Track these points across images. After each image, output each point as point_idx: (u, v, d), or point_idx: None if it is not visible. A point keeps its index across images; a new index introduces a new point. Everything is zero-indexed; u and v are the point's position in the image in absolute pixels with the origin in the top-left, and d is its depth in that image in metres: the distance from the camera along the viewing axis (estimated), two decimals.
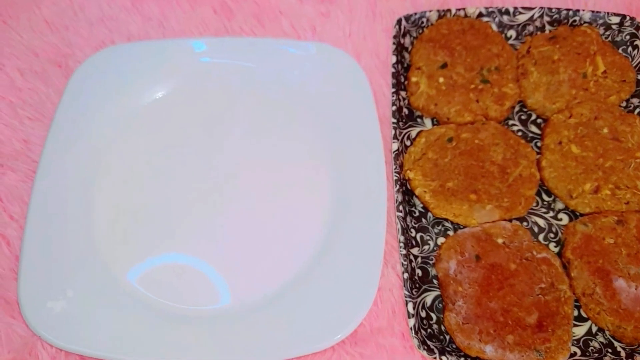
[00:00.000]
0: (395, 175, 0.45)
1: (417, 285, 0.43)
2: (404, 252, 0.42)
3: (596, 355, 0.41)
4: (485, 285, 0.40)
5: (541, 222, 0.46)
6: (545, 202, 0.47)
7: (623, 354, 0.41)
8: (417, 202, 0.47)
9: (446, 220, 0.45)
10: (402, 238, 0.43)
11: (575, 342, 0.42)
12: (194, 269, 0.44)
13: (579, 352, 0.41)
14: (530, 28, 0.53)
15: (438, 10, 0.52)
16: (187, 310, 0.42)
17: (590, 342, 0.42)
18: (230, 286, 0.43)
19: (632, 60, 0.51)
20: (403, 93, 0.50)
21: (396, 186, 0.45)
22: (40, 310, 0.40)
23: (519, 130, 0.50)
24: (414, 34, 0.53)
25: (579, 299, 0.42)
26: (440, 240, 0.45)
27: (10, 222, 0.45)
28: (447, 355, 0.39)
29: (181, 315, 0.42)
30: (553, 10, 0.52)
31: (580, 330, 0.42)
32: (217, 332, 0.41)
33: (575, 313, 0.43)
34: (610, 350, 0.41)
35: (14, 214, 0.46)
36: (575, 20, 0.53)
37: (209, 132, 0.49)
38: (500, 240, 0.42)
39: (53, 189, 0.45)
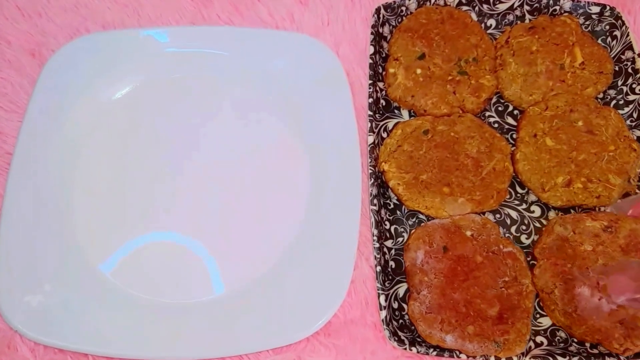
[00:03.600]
0: (371, 169, 0.45)
1: (390, 277, 0.44)
2: (377, 245, 0.43)
3: (562, 345, 0.42)
4: (451, 276, 0.41)
5: (514, 214, 0.47)
6: (518, 195, 0.48)
7: (587, 344, 0.43)
8: (392, 194, 0.47)
9: (420, 212, 0.46)
10: (375, 231, 0.43)
11: (542, 332, 0.43)
12: (170, 260, 0.44)
13: (545, 341, 0.43)
14: (510, 17, 0.53)
15: None
16: (162, 303, 0.43)
17: (556, 332, 0.43)
18: (204, 279, 0.44)
19: (611, 51, 0.51)
20: (380, 84, 0.50)
21: (371, 179, 0.45)
22: (18, 305, 0.41)
23: (495, 122, 0.50)
24: (393, 23, 0.52)
25: (538, 292, 0.42)
26: None
27: None
28: (417, 346, 0.40)
29: (156, 308, 0.42)
30: None
31: (546, 321, 0.43)
32: (190, 325, 0.41)
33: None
34: (575, 340, 0.43)
35: None
36: (555, 10, 0.52)
37: (184, 122, 0.49)
38: (468, 233, 0.43)
39: (28, 182, 0.45)
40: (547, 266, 0.42)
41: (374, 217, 0.44)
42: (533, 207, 0.47)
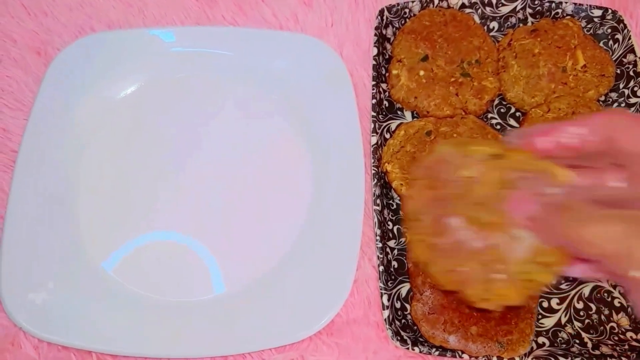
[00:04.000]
0: (374, 169, 0.45)
1: (393, 277, 0.44)
2: (380, 245, 0.43)
3: (564, 345, 0.43)
4: None
5: None
6: None
7: (590, 344, 0.43)
8: (395, 194, 0.47)
9: None
10: (378, 231, 0.43)
11: (544, 332, 0.43)
12: (173, 259, 0.44)
13: (547, 342, 0.43)
14: (513, 20, 0.53)
15: (421, 1, 0.52)
16: (165, 301, 0.43)
17: (558, 333, 0.43)
18: (206, 278, 0.44)
19: (613, 54, 0.52)
20: (384, 85, 0.50)
21: (374, 180, 0.45)
22: (22, 302, 0.41)
23: (497, 124, 0.51)
24: (397, 25, 0.53)
25: (403, 216, 0.37)
26: None
27: None
28: (420, 346, 0.40)
29: (159, 306, 0.42)
30: (536, 2, 0.52)
31: (549, 322, 0.44)
32: (192, 323, 0.42)
33: (546, 305, 0.44)
34: (577, 341, 0.43)
35: None
36: (557, 13, 0.53)
37: (188, 121, 0.49)
38: None
39: (33, 180, 0.45)
40: (421, 189, 0.33)
41: (377, 217, 0.44)
42: None
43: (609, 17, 0.52)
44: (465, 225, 0.31)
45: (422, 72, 0.49)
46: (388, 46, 0.52)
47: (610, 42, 0.52)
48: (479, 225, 0.30)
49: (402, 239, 0.46)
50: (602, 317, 0.44)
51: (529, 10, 0.53)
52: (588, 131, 0.29)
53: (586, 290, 0.45)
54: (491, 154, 0.32)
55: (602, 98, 0.51)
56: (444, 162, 0.33)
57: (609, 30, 0.52)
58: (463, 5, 0.53)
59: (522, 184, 0.29)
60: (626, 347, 0.42)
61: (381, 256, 0.43)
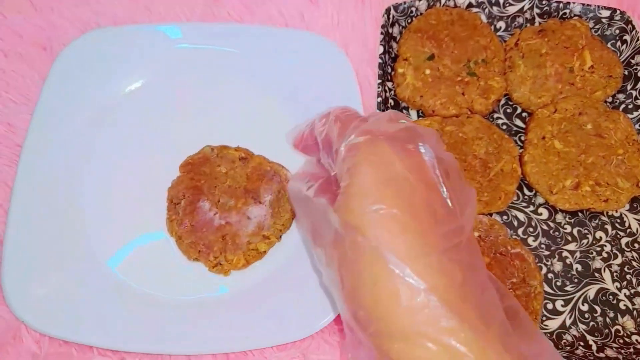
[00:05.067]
0: None
1: None
2: None
3: (568, 348, 0.42)
4: None
5: (521, 216, 0.47)
6: (526, 197, 0.48)
7: (594, 347, 0.42)
8: None
9: None
10: None
11: (548, 335, 0.43)
12: (177, 257, 0.44)
13: (551, 344, 0.42)
14: (520, 20, 0.53)
15: (427, 0, 0.52)
16: (167, 299, 0.43)
17: (563, 336, 0.43)
18: (210, 276, 0.43)
19: (620, 55, 0.51)
20: (389, 84, 0.50)
21: None
22: (24, 296, 0.41)
23: (503, 124, 0.50)
24: (403, 24, 0.52)
25: (167, 202, 0.45)
26: None
27: None
28: None
29: (161, 303, 0.42)
30: (543, 2, 0.52)
31: (553, 324, 0.43)
32: (194, 321, 0.41)
33: (550, 307, 0.44)
34: (582, 343, 0.43)
35: None
36: (565, 13, 0.52)
37: (194, 118, 0.49)
38: (475, 234, 0.43)
39: (37, 174, 0.45)
40: (185, 179, 0.45)
41: None
42: (541, 210, 0.47)
43: (617, 17, 0.51)
44: (212, 208, 0.43)
45: (428, 71, 0.49)
46: (394, 45, 0.52)
47: (618, 43, 0.52)
48: (223, 208, 0.43)
49: None
50: (607, 319, 0.44)
51: (536, 11, 0.52)
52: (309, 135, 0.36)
53: (591, 293, 0.45)
54: (239, 157, 0.45)
55: (610, 99, 0.51)
56: (206, 159, 0.45)
57: (617, 31, 0.52)
58: (470, 5, 0.52)
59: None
60: (631, 350, 0.42)
61: None
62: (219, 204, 0.43)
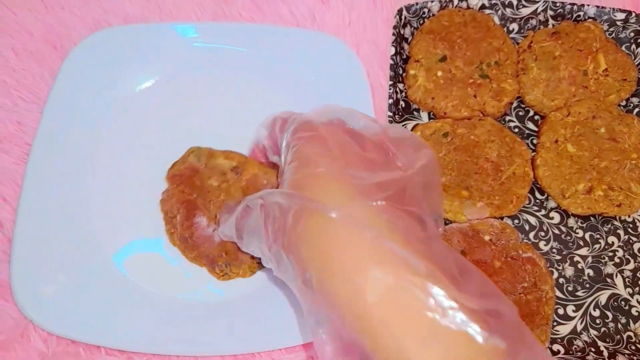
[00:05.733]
0: None
1: None
2: None
3: (579, 354, 0.42)
4: None
5: (533, 220, 0.46)
6: (537, 201, 0.47)
7: (606, 353, 0.42)
8: None
9: None
10: None
11: (559, 340, 0.42)
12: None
13: (562, 350, 0.42)
14: (533, 22, 0.52)
15: (440, 1, 0.51)
16: (176, 299, 0.42)
17: (574, 341, 0.42)
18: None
19: (635, 58, 0.51)
20: (401, 85, 0.50)
21: None
22: (32, 295, 0.41)
23: (515, 127, 0.50)
24: (415, 25, 0.52)
25: (163, 214, 0.44)
26: None
27: (3, 205, 0.45)
28: None
29: (170, 304, 0.42)
30: (557, 4, 0.51)
31: (564, 329, 0.43)
32: (202, 322, 0.41)
33: (561, 312, 0.43)
34: (593, 349, 0.42)
35: (7, 197, 0.46)
36: (579, 16, 0.52)
37: (204, 117, 0.49)
38: (487, 238, 0.42)
39: (46, 172, 0.45)
40: (175, 192, 0.43)
41: None
42: (552, 214, 0.47)
43: (632, 20, 0.51)
44: (210, 223, 0.42)
45: (440, 73, 0.49)
46: (406, 46, 0.52)
47: (633, 46, 0.51)
48: (219, 224, 0.40)
49: None
50: (619, 325, 0.43)
51: (550, 13, 0.52)
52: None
53: (603, 298, 0.44)
54: (230, 167, 0.43)
55: (624, 103, 0.50)
56: (195, 171, 0.43)
57: (632, 34, 0.51)
58: (483, 6, 0.52)
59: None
60: None
61: None
62: (216, 219, 0.42)
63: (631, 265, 0.45)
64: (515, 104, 0.51)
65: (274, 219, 0.30)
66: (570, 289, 0.44)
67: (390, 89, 0.48)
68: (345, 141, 0.32)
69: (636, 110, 0.50)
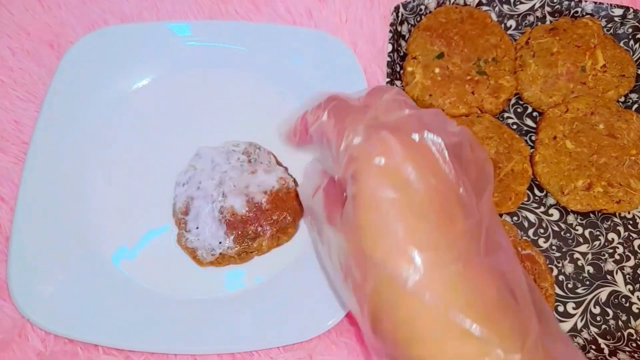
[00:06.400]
0: None
1: None
2: None
3: (580, 351, 0.41)
4: None
5: (532, 217, 0.46)
6: (536, 197, 0.47)
7: (606, 350, 0.42)
8: None
9: None
10: None
11: None
12: (184, 255, 0.44)
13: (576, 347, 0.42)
14: (531, 18, 0.52)
15: None
16: (174, 297, 0.42)
17: (574, 339, 0.42)
18: (217, 275, 0.43)
19: (633, 54, 0.51)
20: (398, 82, 0.50)
21: None
22: (30, 294, 0.41)
23: (514, 124, 0.50)
24: (412, 22, 0.52)
25: None
26: None
27: (1, 204, 0.45)
28: None
29: (168, 302, 0.42)
30: (555, 0, 0.51)
31: (565, 327, 0.43)
32: (201, 320, 0.41)
33: (561, 309, 0.43)
34: (594, 346, 0.42)
35: (4, 196, 0.46)
36: (577, 12, 0.51)
37: (201, 116, 0.49)
38: None
39: (44, 171, 0.45)
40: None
41: None
42: (551, 211, 0.46)
43: (630, 16, 0.51)
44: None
45: (437, 70, 0.48)
46: (403, 43, 0.52)
47: (631, 42, 0.51)
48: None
49: None
50: (620, 323, 0.43)
51: (547, 9, 0.52)
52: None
53: (603, 295, 0.44)
54: None
55: (622, 99, 0.50)
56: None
57: (630, 30, 0.51)
58: (480, 3, 0.52)
59: None
60: None
61: None
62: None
63: (631, 262, 0.45)
64: (513, 101, 0.50)
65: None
66: (570, 286, 0.44)
67: None
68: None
69: (635, 106, 0.49)
